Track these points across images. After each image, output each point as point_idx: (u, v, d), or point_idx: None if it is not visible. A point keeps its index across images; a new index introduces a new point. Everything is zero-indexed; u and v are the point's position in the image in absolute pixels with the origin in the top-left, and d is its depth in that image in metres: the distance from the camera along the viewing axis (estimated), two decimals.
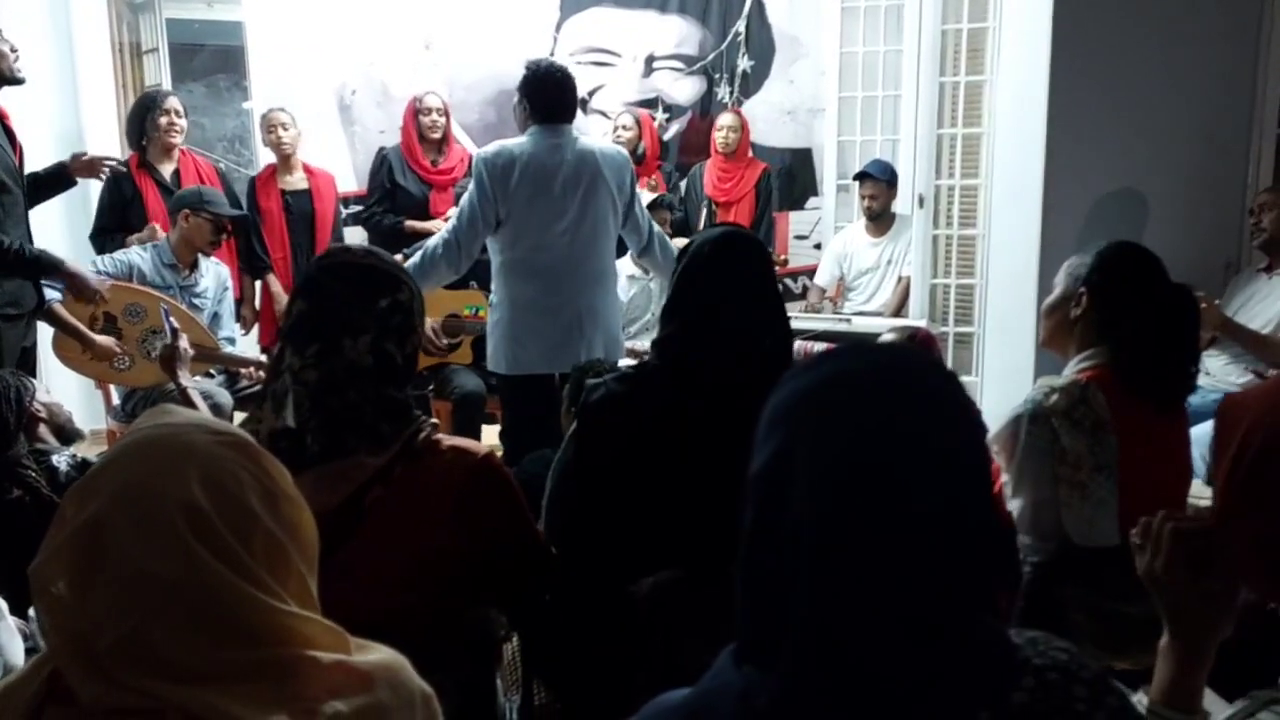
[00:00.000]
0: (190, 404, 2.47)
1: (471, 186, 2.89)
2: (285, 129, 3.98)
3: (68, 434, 2.25)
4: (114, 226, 3.74)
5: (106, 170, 3.40)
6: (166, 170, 3.81)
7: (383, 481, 1.35)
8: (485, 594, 1.59)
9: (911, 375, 0.73)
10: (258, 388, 3.49)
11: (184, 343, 2.51)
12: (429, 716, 0.93)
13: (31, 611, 1.62)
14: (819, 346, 3.61)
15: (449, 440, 1.44)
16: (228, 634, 0.83)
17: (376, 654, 0.93)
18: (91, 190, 3.88)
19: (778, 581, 0.69)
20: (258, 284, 4.10)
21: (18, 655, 1.42)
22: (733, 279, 1.61)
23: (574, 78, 2.92)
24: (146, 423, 0.92)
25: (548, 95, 2.86)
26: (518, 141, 2.88)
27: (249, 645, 0.84)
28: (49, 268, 3.01)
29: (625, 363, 3.74)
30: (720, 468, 1.60)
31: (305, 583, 0.92)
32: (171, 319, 2.74)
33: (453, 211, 3.95)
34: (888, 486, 0.67)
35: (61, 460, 2.06)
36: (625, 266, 3.89)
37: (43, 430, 2.12)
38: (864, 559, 0.66)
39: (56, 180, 3.34)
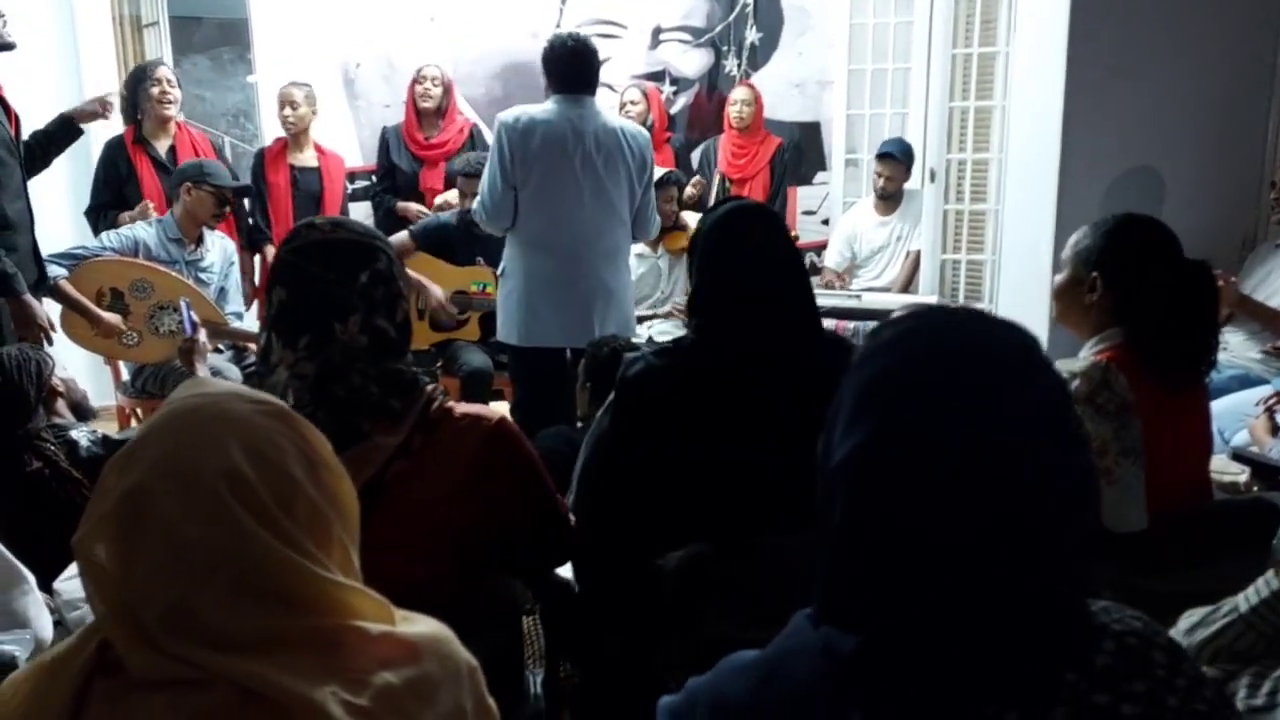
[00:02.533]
0: None
1: (491, 152, 2.88)
2: (294, 107, 3.92)
3: (84, 410, 2.24)
4: (110, 203, 3.69)
5: (110, 103, 3.33)
6: (162, 146, 3.76)
7: (404, 455, 1.34)
8: (507, 563, 1.58)
9: (1003, 347, 0.72)
10: None
11: (203, 336, 2.53)
12: (475, 688, 0.92)
13: (56, 585, 1.61)
14: (828, 323, 3.59)
15: (461, 408, 1.42)
16: (274, 603, 0.81)
17: (422, 625, 0.91)
18: (93, 164, 3.83)
19: (873, 553, 0.70)
20: (256, 259, 4.07)
21: (47, 629, 1.41)
22: (749, 252, 1.61)
23: (594, 50, 2.88)
24: (183, 393, 0.90)
25: (562, 65, 2.84)
26: (541, 107, 2.86)
27: (296, 614, 0.82)
28: (11, 288, 2.83)
29: (661, 336, 3.74)
30: (753, 443, 1.60)
31: (348, 553, 0.91)
32: (193, 313, 2.73)
33: (443, 197, 3.95)
34: (992, 465, 0.67)
35: (81, 435, 2.05)
36: (633, 245, 3.87)
37: (60, 405, 2.11)
38: (968, 535, 0.67)
39: (64, 133, 3.29)
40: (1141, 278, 1.72)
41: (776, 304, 1.59)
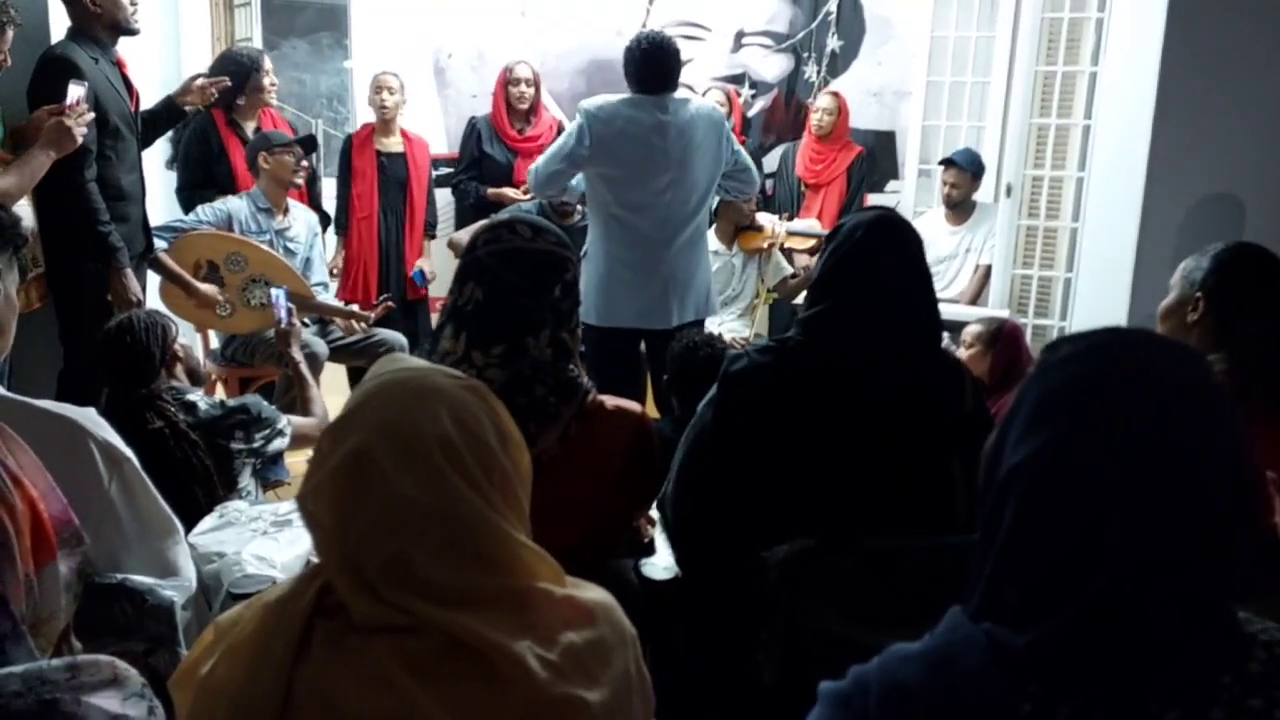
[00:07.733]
0: (300, 378, 2.58)
1: (567, 131, 3.00)
2: (391, 92, 4.00)
3: (197, 376, 2.34)
4: (202, 181, 3.76)
5: (214, 93, 3.43)
6: (250, 128, 3.86)
7: (558, 441, 1.41)
8: (618, 546, 1.66)
9: (1181, 366, 0.77)
10: (352, 338, 3.59)
11: (298, 321, 2.64)
12: (637, 656, 0.99)
13: (192, 539, 1.70)
14: None
15: (610, 401, 1.49)
16: (476, 561, 0.89)
17: (592, 592, 0.98)
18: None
19: (1045, 555, 0.74)
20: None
21: (194, 580, 1.50)
22: (883, 270, 1.62)
23: (671, 49, 2.97)
24: (386, 367, 0.98)
25: (637, 67, 2.95)
26: (623, 97, 2.97)
27: (493, 573, 0.90)
28: (113, 262, 2.90)
29: (730, 335, 3.80)
30: (858, 445, 1.65)
31: (526, 520, 0.98)
32: (290, 303, 2.85)
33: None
34: (1167, 478, 0.72)
35: (198, 398, 2.15)
36: (709, 242, 3.92)
37: (179, 370, 2.21)
38: (1140, 542, 0.72)
39: (168, 115, 3.42)
40: (1243, 300, 1.75)
41: (895, 323, 1.61)
